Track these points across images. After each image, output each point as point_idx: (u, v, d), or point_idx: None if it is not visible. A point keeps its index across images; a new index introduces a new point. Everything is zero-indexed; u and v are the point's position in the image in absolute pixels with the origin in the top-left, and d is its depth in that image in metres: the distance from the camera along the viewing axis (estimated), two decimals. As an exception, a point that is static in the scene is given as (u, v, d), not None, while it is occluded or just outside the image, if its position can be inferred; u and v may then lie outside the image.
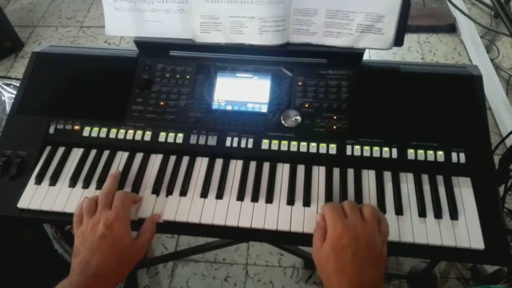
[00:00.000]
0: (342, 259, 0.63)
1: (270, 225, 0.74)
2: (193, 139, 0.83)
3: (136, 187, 0.80)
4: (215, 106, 0.86)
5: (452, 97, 0.84)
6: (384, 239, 0.67)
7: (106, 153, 0.85)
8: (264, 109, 0.85)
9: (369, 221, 0.67)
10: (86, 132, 0.85)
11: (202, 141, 0.83)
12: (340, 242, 0.64)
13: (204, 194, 0.78)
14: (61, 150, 0.85)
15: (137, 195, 0.78)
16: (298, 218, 0.75)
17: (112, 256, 0.68)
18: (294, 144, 0.81)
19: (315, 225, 0.70)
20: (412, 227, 0.73)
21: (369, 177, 0.79)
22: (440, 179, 0.78)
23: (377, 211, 0.69)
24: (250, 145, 0.82)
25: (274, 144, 0.82)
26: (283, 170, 0.81)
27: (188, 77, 0.89)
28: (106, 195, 0.74)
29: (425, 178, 0.79)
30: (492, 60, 2.16)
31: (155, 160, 0.83)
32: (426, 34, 2.40)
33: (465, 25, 2.31)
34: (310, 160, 0.81)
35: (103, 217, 0.70)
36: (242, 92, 0.87)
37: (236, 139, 0.82)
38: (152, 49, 0.92)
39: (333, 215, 0.67)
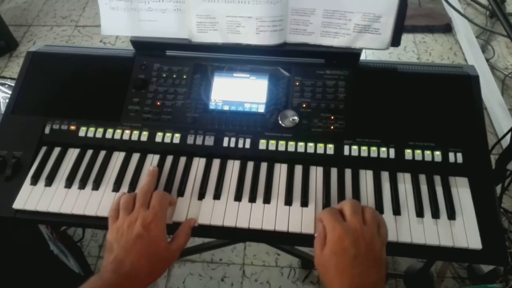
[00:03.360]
0: (343, 262, 0.63)
1: (268, 226, 0.74)
2: (190, 139, 0.83)
3: (133, 188, 0.79)
4: (212, 106, 0.86)
5: (449, 97, 0.84)
6: (383, 242, 0.67)
7: (102, 153, 0.84)
8: (262, 109, 0.85)
9: (369, 223, 0.67)
10: (82, 132, 0.84)
11: (199, 141, 0.83)
12: (340, 245, 0.64)
13: (201, 194, 0.78)
14: (57, 150, 0.85)
15: (172, 197, 0.77)
16: (295, 219, 0.74)
17: (146, 257, 0.67)
18: (291, 144, 0.81)
19: (316, 234, 0.70)
20: (410, 227, 0.73)
21: (366, 177, 0.79)
22: (437, 179, 0.79)
23: (377, 214, 0.69)
24: (247, 145, 0.82)
25: (272, 144, 0.81)
26: (280, 170, 0.80)
27: (184, 77, 0.88)
28: (145, 194, 0.73)
29: (422, 178, 0.79)
30: (487, 60, 2.17)
31: (152, 160, 0.83)
32: (422, 34, 2.40)
33: (460, 25, 2.32)
34: (308, 160, 0.81)
35: (140, 216, 0.69)
36: (239, 92, 0.87)
37: (233, 139, 0.82)
38: (148, 49, 0.92)
39: (332, 219, 0.67)
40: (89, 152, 0.84)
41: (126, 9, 0.87)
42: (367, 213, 0.68)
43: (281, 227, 0.74)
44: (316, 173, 0.80)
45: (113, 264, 0.66)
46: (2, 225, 1.01)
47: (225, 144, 0.82)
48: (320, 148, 0.81)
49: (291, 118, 0.83)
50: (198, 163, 0.82)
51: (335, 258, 0.64)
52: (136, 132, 0.84)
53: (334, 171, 0.80)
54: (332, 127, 0.82)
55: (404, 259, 1.52)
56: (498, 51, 2.26)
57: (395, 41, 0.84)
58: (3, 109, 1.33)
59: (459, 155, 0.79)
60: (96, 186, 0.80)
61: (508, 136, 1.00)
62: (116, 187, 0.79)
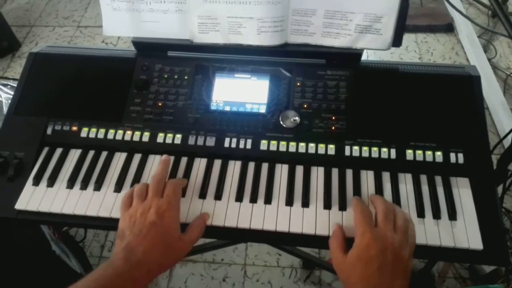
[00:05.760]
0: (368, 270, 0.62)
1: (269, 226, 0.74)
2: (191, 140, 0.83)
3: (135, 188, 0.79)
4: (213, 106, 0.86)
5: (451, 98, 0.84)
6: (411, 251, 0.66)
7: (104, 154, 0.84)
8: (263, 109, 0.85)
9: (400, 231, 0.66)
10: (84, 133, 0.85)
11: (200, 141, 0.83)
12: (367, 252, 0.63)
13: (202, 195, 0.78)
14: (58, 151, 0.85)
15: (184, 180, 0.78)
16: (296, 219, 0.75)
17: (159, 246, 0.67)
18: (292, 145, 0.81)
19: (331, 234, 0.70)
20: (411, 228, 0.73)
21: (367, 177, 0.79)
22: (438, 179, 0.78)
23: (408, 222, 0.68)
24: (248, 146, 0.82)
25: (273, 145, 0.81)
26: (281, 171, 0.80)
27: (186, 77, 0.89)
28: (158, 182, 0.73)
29: (423, 178, 0.79)
30: (489, 59, 2.17)
31: (154, 161, 0.83)
32: (424, 33, 2.40)
33: (462, 25, 2.31)
34: (309, 160, 0.81)
35: (154, 204, 0.69)
36: (241, 92, 0.87)
37: (234, 140, 0.82)
38: (150, 50, 0.92)
39: (364, 223, 0.66)
40: (91, 153, 0.85)
41: (128, 10, 0.87)
42: (399, 220, 0.67)
43: (282, 227, 0.74)
44: (317, 173, 0.80)
45: (124, 251, 0.65)
46: (4, 225, 1.01)
47: (226, 144, 0.82)
48: (321, 148, 0.81)
49: (292, 118, 0.83)
50: (199, 164, 0.82)
51: (360, 264, 0.63)
52: (137, 133, 0.84)
53: (335, 172, 0.80)
54: (333, 128, 0.82)
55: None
56: (500, 50, 2.26)
57: (396, 42, 0.83)
58: (5, 110, 1.34)
59: (460, 156, 0.79)
60: (98, 186, 0.80)
61: (510, 136, 1.00)
62: (118, 187, 0.80)
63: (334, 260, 0.67)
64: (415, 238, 0.68)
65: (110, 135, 0.84)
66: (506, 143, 1.64)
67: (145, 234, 0.67)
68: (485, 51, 2.22)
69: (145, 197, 0.72)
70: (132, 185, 0.80)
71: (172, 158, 0.83)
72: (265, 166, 0.81)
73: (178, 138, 0.83)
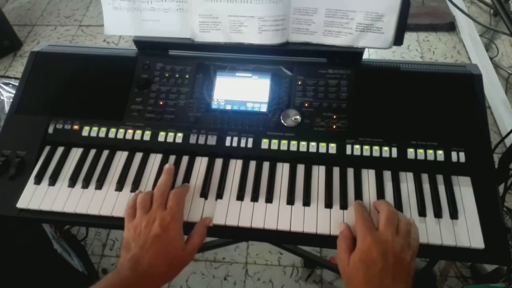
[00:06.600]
0: (371, 272, 0.63)
1: (270, 225, 0.74)
2: (192, 139, 0.83)
3: (135, 187, 0.80)
4: (214, 105, 0.86)
5: (452, 96, 0.84)
6: (413, 255, 0.66)
7: (105, 152, 0.85)
8: (264, 108, 0.85)
9: (402, 235, 0.66)
10: (85, 131, 0.85)
11: (201, 140, 0.83)
12: (369, 255, 0.64)
13: (204, 193, 0.78)
14: (60, 150, 0.85)
15: (187, 186, 0.78)
16: (298, 218, 0.75)
17: (163, 258, 0.68)
18: (294, 144, 0.81)
19: (339, 234, 0.70)
20: (412, 227, 0.73)
21: (369, 176, 0.79)
22: (440, 178, 0.78)
23: (411, 227, 0.69)
24: (249, 145, 0.82)
25: (274, 144, 0.81)
26: (283, 169, 0.80)
27: (187, 76, 0.89)
28: (162, 193, 0.73)
29: (425, 177, 0.79)
30: (491, 58, 2.16)
31: (155, 159, 0.83)
32: (426, 32, 2.40)
33: (464, 24, 2.31)
34: (310, 159, 0.81)
35: (159, 217, 0.70)
36: (242, 91, 0.87)
37: (235, 139, 0.82)
38: (151, 49, 0.92)
39: (363, 227, 0.67)
40: (92, 152, 0.85)
41: (129, 9, 0.87)
42: (402, 224, 0.68)
43: (283, 226, 0.74)
44: (318, 172, 0.80)
45: (130, 262, 0.66)
46: (6, 224, 1.02)
47: (227, 143, 0.82)
48: (322, 147, 0.81)
49: (293, 117, 0.83)
50: (201, 163, 0.82)
51: (363, 267, 0.63)
52: (139, 132, 0.84)
53: (336, 171, 0.80)
54: (334, 126, 0.82)
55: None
56: (502, 49, 2.25)
57: (398, 40, 0.83)
58: (7, 108, 1.34)
59: (462, 154, 0.78)
60: (99, 185, 0.80)
61: (512, 135, 1.00)
62: (119, 186, 0.80)
63: (341, 261, 0.67)
64: (418, 242, 0.68)
65: (112, 134, 0.84)
66: (508, 142, 1.64)
67: (149, 246, 0.67)
68: (487, 50, 2.21)
69: (149, 208, 0.72)
70: (133, 183, 0.80)
71: (173, 157, 0.83)
72: (266, 165, 0.81)
73: (179, 137, 0.83)
